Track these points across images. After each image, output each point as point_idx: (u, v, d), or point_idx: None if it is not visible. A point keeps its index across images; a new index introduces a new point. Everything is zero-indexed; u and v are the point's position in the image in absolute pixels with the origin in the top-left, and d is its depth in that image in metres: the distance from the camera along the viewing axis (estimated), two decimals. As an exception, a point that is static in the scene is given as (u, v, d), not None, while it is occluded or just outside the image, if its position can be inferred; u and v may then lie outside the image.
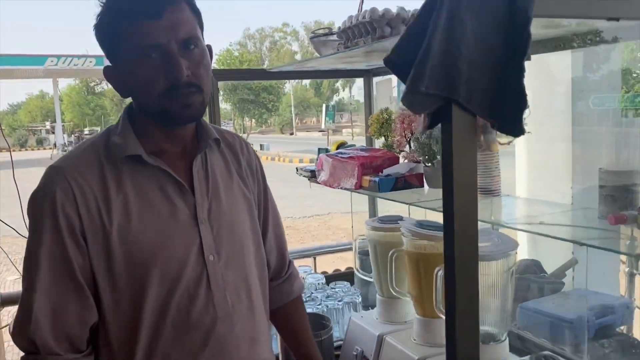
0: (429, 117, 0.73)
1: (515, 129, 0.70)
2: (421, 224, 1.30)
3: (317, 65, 1.89)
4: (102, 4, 0.95)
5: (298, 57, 40.91)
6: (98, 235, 0.94)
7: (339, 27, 1.56)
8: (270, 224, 1.19)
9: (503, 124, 0.70)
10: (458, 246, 0.72)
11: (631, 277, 2.24)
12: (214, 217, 1.01)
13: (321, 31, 1.67)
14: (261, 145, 21.96)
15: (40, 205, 0.94)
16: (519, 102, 0.69)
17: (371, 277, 1.56)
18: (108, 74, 1.00)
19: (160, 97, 0.93)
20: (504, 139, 0.73)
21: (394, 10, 1.39)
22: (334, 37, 1.63)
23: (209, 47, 1.01)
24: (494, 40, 0.69)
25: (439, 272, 1.10)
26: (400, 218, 1.48)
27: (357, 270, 1.57)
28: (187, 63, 0.93)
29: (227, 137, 1.14)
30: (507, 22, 0.69)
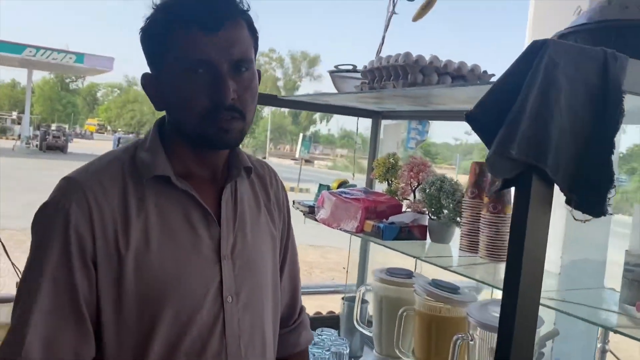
0: (501, 180, 0.67)
1: (597, 208, 0.65)
2: (437, 284, 1.24)
3: (329, 100, 1.83)
4: (154, 7, 0.87)
5: (280, 84, 41.21)
6: (111, 261, 0.83)
7: (365, 66, 1.51)
8: (288, 263, 1.11)
9: (584, 201, 0.65)
10: (518, 325, 0.65)
11: (603, 353, 2.23)
12: (237, 254, 0.92)
13: (344, 67, 1.62)
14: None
15: (51, 220, 0.83)
16: (605, 179, 0.64)
17: (370, 332, 1.48)
18: (146, 81, 0.91)
19: (199, 117, 0.85)
20: (579, 214, 0.68)
21: (427, 57, 1.35)
22: (357, 74, 1.58)
23: (259, 72, 0.94)
24: (585, 110, 0.64)
25: (458, 341, 1.03)
26: (410, 273, 1.42)
27: (358, 322, 1.48)
28: (234, 86, 0.85)
29: (257, 166, 1.06)
30: (599, 94, 0.65)
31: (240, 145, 0.99)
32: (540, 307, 1.09)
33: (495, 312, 1.01)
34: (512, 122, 0.61)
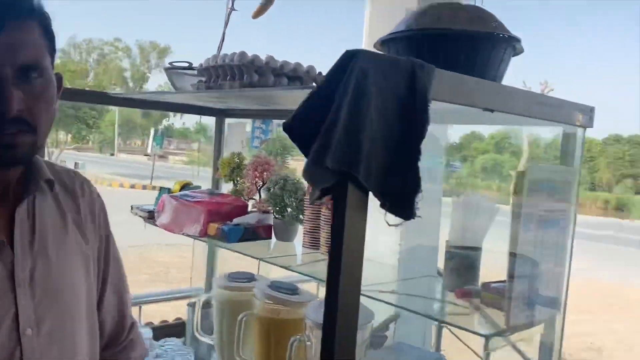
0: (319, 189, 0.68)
1: (406, 211, 0.68)
2: (275, 286, 1.23)
3: (170, 98, 1.74)
4: None
5: (127, 74, 38.80)
6: None
7: (201, 64, 1.46)
8: (110, 281, 1.00)
9: (394, 205, 0.68)
10: (340, 317, 0.66)
11: (440, 330, 2.48)
12: (38, 280, 0.82)
13: (180, 64, 1.55)
14: (76, 164, 20.06)
15: None
16: (413, 184, 0.68)
17: (212, 340, 1.43)
18: None
19: None
20: (392, 219, 0.71)
21: (263, 57, 1.34)
22: (194, 72, 1.52)
23: (59, 78, 0.84)
24: (395, 119, 0.67)
25: (295, 343, 1.03)
26: (252, 276, 1.40)
27: (198, 331, 1.42)
28: (22, 95, 0.74)
29: (63, 177, 0.94)
30: (407, 103, 0.68)
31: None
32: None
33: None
34: (326, 133, 0.61)
